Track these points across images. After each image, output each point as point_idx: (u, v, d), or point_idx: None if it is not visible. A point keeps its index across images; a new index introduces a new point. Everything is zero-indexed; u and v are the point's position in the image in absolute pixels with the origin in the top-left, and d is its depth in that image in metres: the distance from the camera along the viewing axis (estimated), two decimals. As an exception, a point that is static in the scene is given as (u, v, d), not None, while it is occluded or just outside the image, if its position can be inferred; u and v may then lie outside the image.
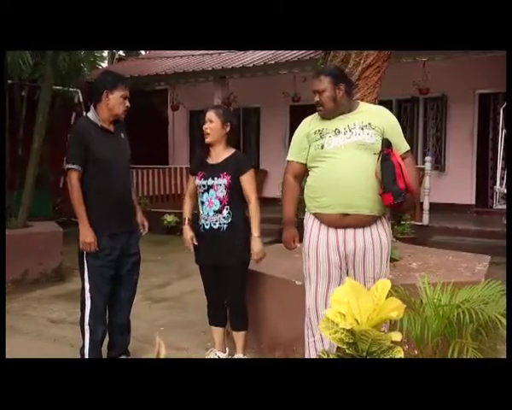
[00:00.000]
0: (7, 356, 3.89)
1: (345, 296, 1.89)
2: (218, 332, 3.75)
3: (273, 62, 9.16)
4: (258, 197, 3.60)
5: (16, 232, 6.32)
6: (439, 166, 10.15)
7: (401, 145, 3.03)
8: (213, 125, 3.52)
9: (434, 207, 8.86)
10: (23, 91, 10.70)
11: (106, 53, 14.68)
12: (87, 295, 3.40)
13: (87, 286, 3.39)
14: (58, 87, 9.48)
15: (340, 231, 2.95)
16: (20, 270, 6.17)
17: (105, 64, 14.52)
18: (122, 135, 3.62)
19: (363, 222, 2.92)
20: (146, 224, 3.77)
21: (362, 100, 3.93)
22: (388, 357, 1.81)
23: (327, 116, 3.04)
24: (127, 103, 3.49)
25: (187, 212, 3.70)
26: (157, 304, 5.46)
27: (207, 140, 3.54)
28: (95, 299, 3.40)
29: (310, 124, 3.13)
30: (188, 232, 3.63)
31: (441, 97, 9.89)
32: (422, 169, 8.52)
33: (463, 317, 2.15)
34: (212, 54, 11.07)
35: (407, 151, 3.07)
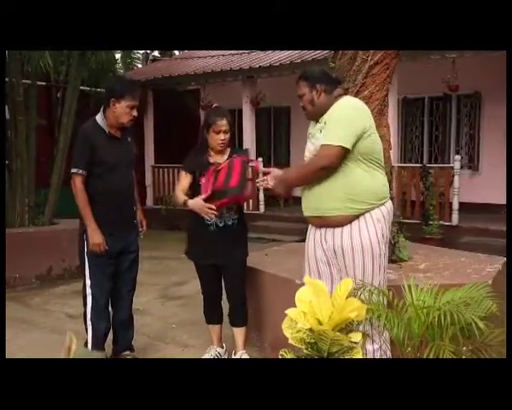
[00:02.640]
0: (20, 348, 4.08)
1: (307, 296, 1.87)
2: (215, 330, 3.79)
3: (299, 61, 9.11)
4: None
5: (41, 229, 6.53)
6: (472, 165, 9.87)
7: (324, 139, 2.83)
8: (228, 135, 3.52)
9: (467, 207, 8.62)
10: (58, 93, 11.04)
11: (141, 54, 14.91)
12: (88, 291, 3.47)
13: (88, 283, 3.47)
14: (88, 88, 9.72)
15: (322, 229, 2.95)
16: (45, 266, 6.38)
17: (140, 65, 14.76)
18: (128, 139, 3.67)
19: (336, 223, 2.86)
20: (144, 223, 3.83)
21: (370, 98, 3.88)
22: (348, 357, 1.78)
23: (312, 119, 3.05)
24: (134, 113, 3.51)
25: (183, 196, 3.50)
26: (171, 302, 5.53)
27: (222, 148, 3.53)
28: (96, 295, 3.47)
29: (310, 125, 3.17)
30: (199, 201, 3.37)
31: (474, 94, 9.61)
32: (451, 168, 8.33)
33: (438, 319, 2.08)
34: (241, 53, 11.09)
35: (321, 146, 2.83)
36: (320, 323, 1.80)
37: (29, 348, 4.11)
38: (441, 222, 8.12)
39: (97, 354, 2.57)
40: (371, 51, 3.90)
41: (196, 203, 3.38)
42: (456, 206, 8.20)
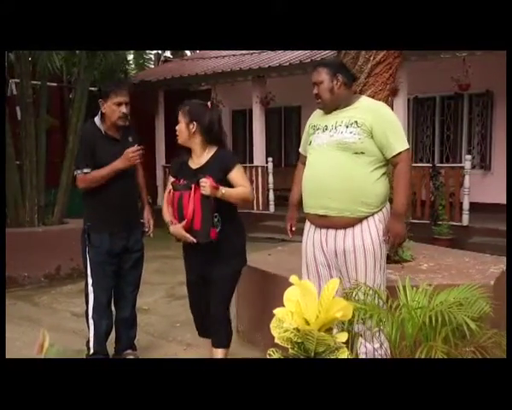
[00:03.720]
0: (24, 345, 4.12)
1: (295, 295, 1.87)
2: (207, 343, 3.44)
3: (309, 61, 9.09)
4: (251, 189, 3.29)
5: (50, 229, 6.59)
6: (484, 164, 9.75)
7: (389, 147, 2.80)
8: (180, 126, 3.25)
9: (478, 207, 8.53)
10: (71, 94, 11.14)
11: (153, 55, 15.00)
12: (90, 289, 3.51)
13: (90, 281, 3.51)
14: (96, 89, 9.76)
15: (323, 231, 2.91)
16: (54, 265, 6.43)
17: (152, 66, 14.85)
18: (130, 139, 3.65)
19: (341, 224, 2.83)
20: (151, 222, 3.81)
21: (373, 97, 3.85)
22: (334, 357, 1.77)
23: (325, 109, 2.98)
24: (123, 110, 3.48)
25: (168, 217, 3.24)
26: (178, 301, 5.54)
27: (179, 141, 3.30)
28: (97, 293, 3.50)
29: (313, 117, 3.12)
30: (179, 229, 3.13)
31: (486, 93, 9.50)
32: (462, 168, 8.26)
33: (430, 320, 2.07)
34: (252, 53, 11.11)
35: (397, 155, 2.80)
36: (307, 323, 1.80)
37: (34, 345, 4.14)
38: (451, 222, 8.04)
39: (70, 354, 2.58)
40: (373, 51, 3.89)
41: (176, 231, 3.17)
42: (466, 206, 8.11)
